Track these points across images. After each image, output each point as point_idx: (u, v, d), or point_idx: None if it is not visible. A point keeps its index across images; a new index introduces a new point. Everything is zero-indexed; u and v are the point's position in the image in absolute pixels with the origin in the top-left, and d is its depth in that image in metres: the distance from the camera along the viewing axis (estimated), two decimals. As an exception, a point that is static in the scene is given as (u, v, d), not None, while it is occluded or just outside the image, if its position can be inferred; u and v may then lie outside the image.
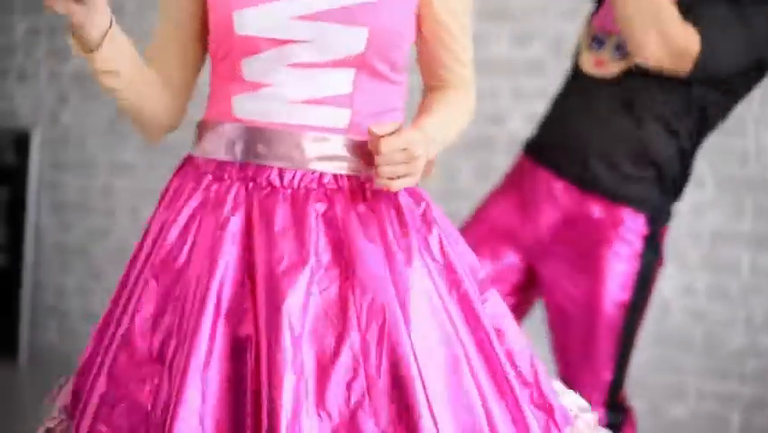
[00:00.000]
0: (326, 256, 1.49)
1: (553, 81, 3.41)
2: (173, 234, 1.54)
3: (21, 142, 4.19)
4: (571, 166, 2.38)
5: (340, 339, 1.44)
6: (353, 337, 1.44)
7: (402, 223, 1.54)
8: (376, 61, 1.53)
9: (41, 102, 4.19)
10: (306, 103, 1.53)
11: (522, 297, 2.48)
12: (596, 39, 2.41)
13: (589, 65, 2.40)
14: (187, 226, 1.54)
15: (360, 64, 1.53)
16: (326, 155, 1.53)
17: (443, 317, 1.50)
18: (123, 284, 1.59)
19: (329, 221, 1.51)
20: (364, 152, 1.54)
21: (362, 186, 1.55)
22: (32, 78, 4.19)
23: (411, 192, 1.59)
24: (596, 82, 2.38)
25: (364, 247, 1.49)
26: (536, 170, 2.42)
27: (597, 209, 2.36)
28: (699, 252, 3.43)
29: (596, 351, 2.37)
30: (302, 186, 1.52)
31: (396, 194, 1.55)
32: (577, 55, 2.45)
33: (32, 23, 4.16)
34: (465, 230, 2.40)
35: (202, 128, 1.61)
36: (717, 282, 3.42)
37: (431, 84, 1.72)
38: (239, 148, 1.54)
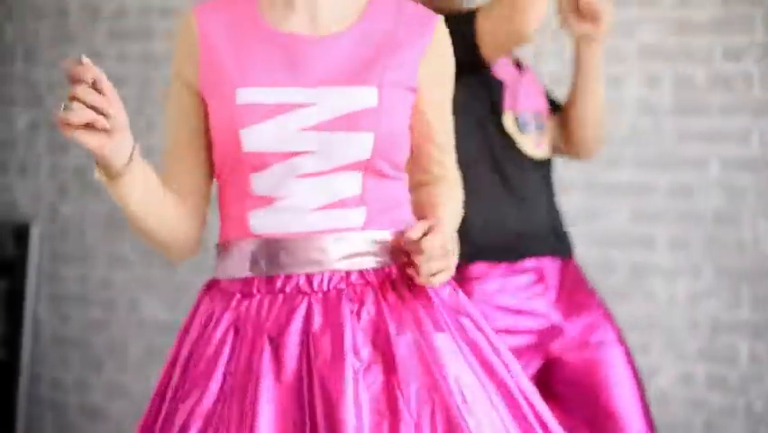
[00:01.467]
0: (366, 351, 1.51)
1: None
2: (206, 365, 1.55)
3: (20, 235, 4.21)
4: (550, 243, 2.48)
5: (394, 430, 1.46)
6: (407, 425, 1.46)
7: (431, 306, 1.59)
8: (381, 163, 1.58)
9: (41, 194, 4.22)
10: (321, 209, 1.56)
11: None
12: (522, 122, 2.46)
13: (531, 148, 2.47)
14: (217, 352, 1.56)
15: (366, 167, 1.57)
16: (349, 254, 1.57)
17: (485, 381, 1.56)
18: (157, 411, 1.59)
19: (363, 317, 1.54)
20: (384, 244, 1.59)
21: (388, 277, 1.59)
22: (33, 170, 4.23)
23: None
24: (534, 163, 2.48)
25: (400, 338, 1.53)
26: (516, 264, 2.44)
27: (573, 266, 2.51)
28: (697, 341, 3.43)
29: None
30: (331, 287, 1.55)
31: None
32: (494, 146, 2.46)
33: (32, 117, 4.21)
34: None
35: (221, 250, 1.63)
36: (716, 372, 3.41)
37: (421, 179, 1.74)
38: (263, 262, 1.56)
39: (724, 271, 3.41)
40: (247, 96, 1.56)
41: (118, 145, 1.42)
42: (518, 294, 2.42)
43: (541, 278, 2.44)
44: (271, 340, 1.52)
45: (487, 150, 2.41)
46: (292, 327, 1.53)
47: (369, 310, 1.55)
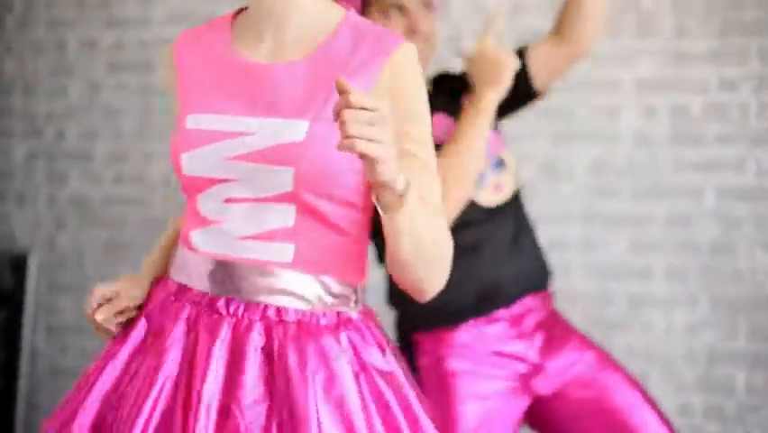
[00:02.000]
0: (258, 390, 1.52)
1: (542, 205, 3.46)
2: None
3: (18, 265, 4.20)
4: (519, 286, 2.48)
5: None
6: None
7: (341, 358, 1.57)
8: (311, 198, 1.55)
9: (39, 225, 4.22)
10: (250, 238, 1.57)
11: None
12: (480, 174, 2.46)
13: (487, 196, 2.47)
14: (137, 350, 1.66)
15: (294, 200, 1.55)
16: (270, 288, 1.57)
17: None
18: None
19: (266, 354, 1.54)
20: (309, 288, 1.57)
21: (305, 320, 1.57)
22: (31, 201, 4.23)
23: (364, 331, 1.62)
24: (495, 209, 2.48)
25: (298, 383, 1.51)
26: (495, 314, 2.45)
27: (547, 299, 2.53)
28: (694, 372, 3.43)
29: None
30: (245, 316, 1.56)
31: (339, 328, 1.58)
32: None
33: (30, 148, 4.22)
34: None
35: (174, 252, 1.74)
36: (714, 402, 3.41)
37: None
38: (194, 275, 1.62)
39: (721, 302, 3.42)
40: (193, 121, 1.61)
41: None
42: (495, 342, 2.42)
43: (515, 323, 2.44)
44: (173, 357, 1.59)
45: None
46: (200, 342, 1.57)
47: (273, 349, 1.54)
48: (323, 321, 1.59)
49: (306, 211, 1.56)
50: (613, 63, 3.53)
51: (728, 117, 3.42)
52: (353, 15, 1.66)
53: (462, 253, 2.39)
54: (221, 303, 1.58)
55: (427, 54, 2.42)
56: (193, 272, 1.62)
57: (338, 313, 1.61)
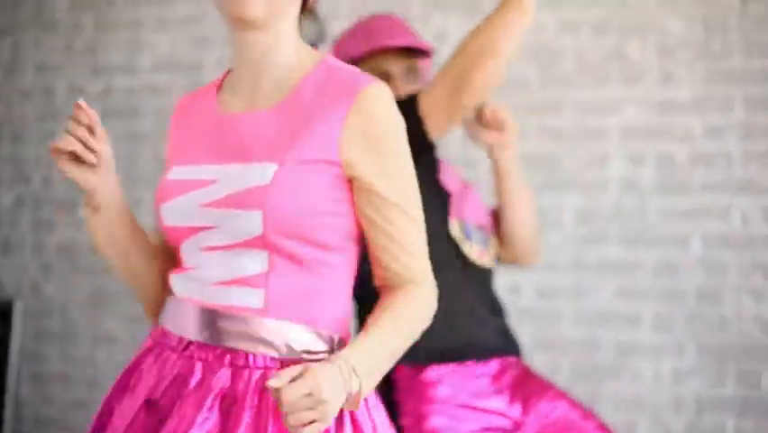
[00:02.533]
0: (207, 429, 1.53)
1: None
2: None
3: (3, 312, 4.18)
4: (499, 344, 2.50)
5: None
6: None
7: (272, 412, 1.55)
8: (282, 242, 1.54)
9: (25, 273, 4.20)
10: (222, 284, 1.58)
11: None
12: (467, 230, 2.51)
13: (473, 255, 2.50)
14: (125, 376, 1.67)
15: (265, 245, 1.54)
16: (239, 333, 1.57)
17: None
18: None
19: (226, 399, 1.54)
20: (278, 336, 1.56)
21: (273, 368, 1.56)
22: (17, 248, 4.22)
23: None
24: (478, 270, 2.52)
25: (254, 428, 1.52)
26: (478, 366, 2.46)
27: (522, 364, 2.54)
28: (682, 420, 3.43)
29: None
30: (208, 358, 1.57)
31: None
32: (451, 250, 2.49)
33: (17, 194, 4.21)
34: None
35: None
36: (703, 450, 3.41)
37: (381, 276, 1.65)
38: (172, 321, 1.64)
39: (708, 349, 3.42)
40: (173, 173, 1.64)
41: (103, 182, 1.61)
42: (475, 398, 2.41)
43: (495, 379, 2.45)
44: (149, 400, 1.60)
45: (433, 255, 2.37)
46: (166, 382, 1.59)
47: (236, 394, 1.54)
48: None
49: (279, 255, 1.55)
50: (599, 111, 3.56)
51: (714, 165, 3.45)
52: (330, 59, 1.65)
53: (455, 297, 2.40)
54: (193, 347, 1.59)
55: None
56: (172, 317, 1.64)
57: (301, 361, 1.57)
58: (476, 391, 2.41)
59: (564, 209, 3.55)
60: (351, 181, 1.58)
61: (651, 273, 3.48)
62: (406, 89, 2.48)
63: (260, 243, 1.54)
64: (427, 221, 2.09)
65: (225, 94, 1.69)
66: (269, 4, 1.57)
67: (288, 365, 1.54)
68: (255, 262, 1.56)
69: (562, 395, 2.50)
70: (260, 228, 1.52)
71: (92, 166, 1.59)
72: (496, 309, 2.58)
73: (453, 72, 2.28)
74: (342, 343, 1.63)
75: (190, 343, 1.60)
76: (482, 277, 2.55)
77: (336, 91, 1.57)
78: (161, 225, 1.64)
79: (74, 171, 1.58)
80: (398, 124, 1.60)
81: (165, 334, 1.65)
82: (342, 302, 1.64)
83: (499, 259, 2.69)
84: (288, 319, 1.57)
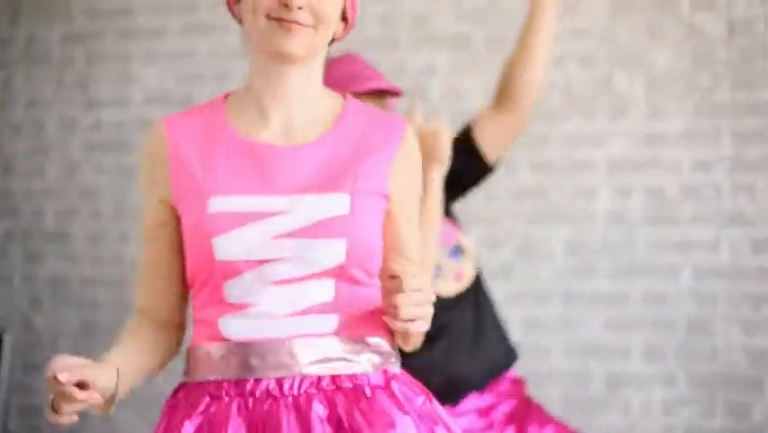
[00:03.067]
0: None
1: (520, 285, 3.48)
2: None
3: (-8, 345, 4.17)
4: (482, 374, 2.49)
5: None
6: None
7: (404, 413, 1.57)
8: (354, 270, 1.58)
9: (15, 305, 4.19)
10: (292, 316, 1.57)
11: None
12: (435, 268, 2.48)
13: (447, 286, 2.49)
14: None
15: (339, 274, 1.57)
16: (320, 359, 1.56)
17: None
18: None
19: (334, 423, 1.54)
20: (357, 352, 1.58)
21: (363, 383, 1.58)
22: (6, 280, 4.21)
23: (410, 383, 1.64)
24: (455, 298, 2.50)
25: None
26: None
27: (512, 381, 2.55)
28: (674, 451, 3.43)
29: None
30: (302, 392, 1.55)
31: (391, 386, 1.59)
32: None
33: (6, 227, 4.21)
34: None
35: (192, 355, 1.64)
36: (694, 481, 3.41)
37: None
38: (233, 365, 1.57)
39: (698, 379, 3.43)
40: (218, 204, 1.57)
41: (105, 390, 1.54)
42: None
43: (483, 414, 2.44)
44: None
45: None
46: None
47: (340, 417, 1.54)
48: (374, 381, 1.59)
49: (346, 282, 1.58)
50: (588, 144, 3.58)
51: (702, 197, 3.47)
52: (353, 100, 1.72)
53: (430, 342, 2.39)
54: (272, 385, 1.56)
55: None
56: (221, 365, 1.58)
57: (384, 371, 1.61)
58: (464, 428, 2.40)
59: (553, 241, 3.57)
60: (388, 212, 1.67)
61: (640, 305, 3.49)
62: None
63: (336, 272, 1.56)
64: None
65: (241, 120, 1.66)
66: (312, 44, 1.61)
67: (370, 378, 1.59)
68: (323, 291, 1.57)
69: (549, 420, 2.50)
70: (344, 258, 1.56)
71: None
72: (481, 329, 2.53)
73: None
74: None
75: (281, 382, 1.56)
76: (461, 303, 2.52)
77: (385, 127, 1.67)
78: (207, 260, 1.57)
79: (82, 407, 1.52)
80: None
81: (238, 382, 1.58)
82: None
83: (505, 135, 2.61)
84: (362, 335, 1.60)
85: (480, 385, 2.46)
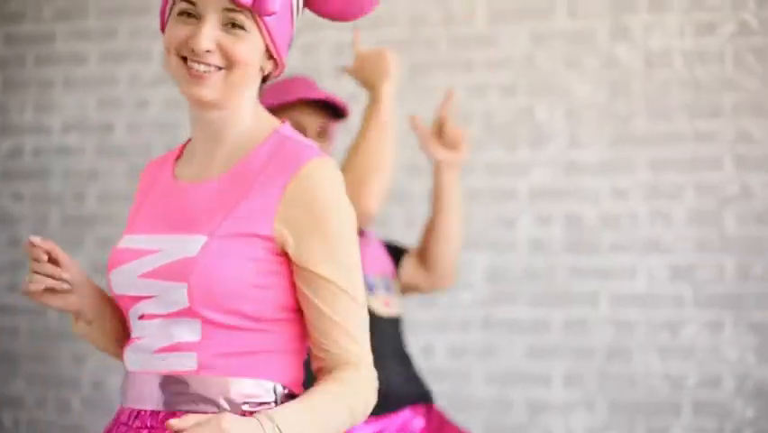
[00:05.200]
0: None
1: (442, 312, 3.49)
2: None
3: None
4: (411, 395, 2.54)
5: None
6: None
7: None
8: (209, 313, 1.54)
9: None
10: (161, 351, 1.58)
11: None
12: (371, 283, 2.57)
13: (380, 307, 2.55)
14: None
15: (195, 315, 1.55)
16: (181, 394, 1.56)
17: None
18: None
19: None
20: (218, 392, 1.55)
21: None
22: None
23: None
24: (384, 321, 2.56)
25: None
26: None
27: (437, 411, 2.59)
28: (594, 477, 3.46)
29: None
30: (155, 425, 1.57)
31: None
32: None
33: None
34: None
35: None
36: (614, 507, 3.44)
37: (316, 365, 1.61)
38: (122, 393, 1.66)
39: (618, 405, 3.46)
40: (122, 241, 1.66)
41: (84, 297, 1.68)
42: None
43: (402, 428, 2.46)
44: None
45: None
46: None
47: None
48: None
49: (211, 324, 1.55)
50: (508, 173, 3.61)
51: (620, 226, 3.52)
52: (284, 129, 1.64)
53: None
54: (132, 415, 1.60)
55: None
56: (125, 392, 1.65)
57: (243, 413, 1.54)
58: None
59: (474, 269, 3.59)
60: (285, 255, 1.56)
61: (561, 332, 3.52)
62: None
63: (190, 313, 1.54)
64: None
65: (183, 163, 1.70)
66: (225, 86, 1.59)
67: None
68: (189, 331, 1.56)
69: None
70: (186, 301, 1.53)
71: (69, 291, 1.65)
72: (405, 359, 2.61)
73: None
74: (290, 397, 1.59)
75: (140, 413, 1.59)
76: (390, 327, 2.58)
77: (279, 164, 1.56)
78: (111, 292, 1.66)
79: (53, 301, 1.65)
80: (342, 200, 1.58)
81: (121, 411, 1.65)
82: (291, 361, 1.61)
83: (417, 287, 2.75)
84: (225, 375, 1.55)
85: (401, 403, 2.47)
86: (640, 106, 3.54)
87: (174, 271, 1.54)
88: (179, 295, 1.53)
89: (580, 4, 3.61)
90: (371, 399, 1.60)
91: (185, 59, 1.58)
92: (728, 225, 3.45)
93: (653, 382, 3.45)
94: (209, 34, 1.56)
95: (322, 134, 2.57)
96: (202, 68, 1.57)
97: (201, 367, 1.56)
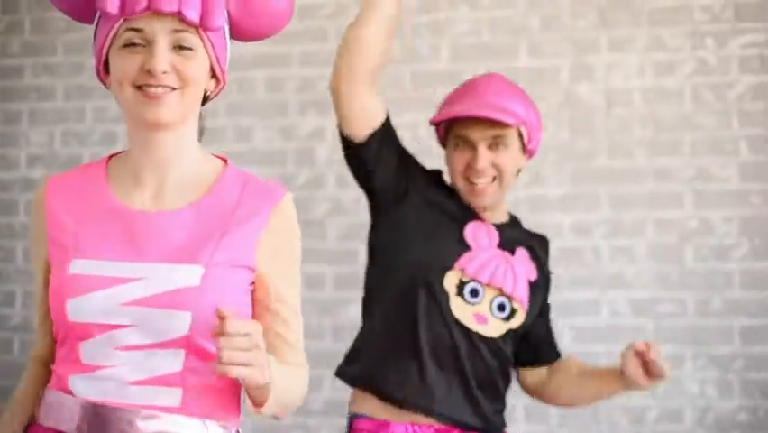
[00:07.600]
0: None
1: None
2: None
3: None
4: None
5: None
6: None
7: None
8: (203, 342, 1.58)
9: None
10: (138, 384, 1.58)
11: None
12: (468, 287, 2.45)
13: (465, 316, 2.44)
14: None
15: (186, 345, 1.58)
16: (158, 432, 1.57)
17: None
18: None
19: None
20: (197, 431, 1.59)
21: None
22: None
23: None
24: (478, 336, 2.46)
25: None
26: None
27: None
28: None
29: None
30: None
31: None
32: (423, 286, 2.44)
33: None
34: None
35: (46, 398, 1.66)
36: None
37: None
38: (75, 421, 1.59)
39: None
40: (77, 267, 1.61)
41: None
42: None
43: None
44: None
45: (415, 306, 2.41)
46: None
47: None
48: None
49: (195, 354, 1.58)
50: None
51: (582, 261, 3.55)
52: (232, 166, 1.73)
53: (416, 354, 2.41)
54: None
55: (488, 188, 2.50)
56: (66, 417, 1.60)
57: None
58: None
59: (439, 304, 3.60)
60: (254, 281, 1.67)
61: (523, 366, 3.53)
62: (490, 158, 2.50)
63: (182, 342, 1.57)
64: (427, 261, 2.34)
65: (118, 184, 1.69)
66: (181, 107, 1.63)
67: None
68: (171, 362, 1.58)
69: None
70: (188, 329, 1.56)
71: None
72: (470, 384, 2.47)
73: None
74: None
75: None
76: (473, 342, 2.45)
77: (258, 199, 1.67)
78: (62, 319, 1.60)
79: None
80: (298, 230, 1.73)
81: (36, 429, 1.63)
82: (240, 396, 1.68)
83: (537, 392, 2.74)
84: (201, 416, 1.60)
85: (443, 417, 2.45)
86: (601, 144, 3.58)
87: (175, 300, 1.56)
88: (179, 323, 1.55)
89: (542, 44, 3.66)
90: (305, 391, 1.74)
91: (139, 87, 1.61)
92: (688, 260, 3.50)
93: (615, 416, 3.47)
94: (164, 56, 1.59)
95: (494, 144, 2.53)
96: (159, 90, 1.60)
97: (184, 404, 1.59)
